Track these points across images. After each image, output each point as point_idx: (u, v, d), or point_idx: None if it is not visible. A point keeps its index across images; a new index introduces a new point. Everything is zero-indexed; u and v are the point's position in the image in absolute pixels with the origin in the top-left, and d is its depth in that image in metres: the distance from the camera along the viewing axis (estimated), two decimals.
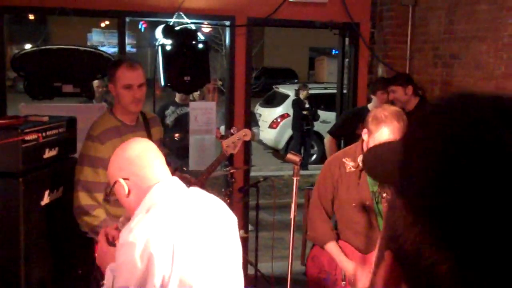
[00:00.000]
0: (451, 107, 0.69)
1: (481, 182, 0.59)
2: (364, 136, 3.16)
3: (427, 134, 0.68)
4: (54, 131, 3.65)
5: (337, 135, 5.69)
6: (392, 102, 5.03)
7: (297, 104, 11.43)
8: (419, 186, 0.65)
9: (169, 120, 6.18)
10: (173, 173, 2.37)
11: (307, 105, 11.39)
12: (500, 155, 0.60)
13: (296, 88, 12.13)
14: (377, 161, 0.87)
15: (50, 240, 3.63)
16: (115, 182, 2.19)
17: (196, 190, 2.24)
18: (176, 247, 1.92)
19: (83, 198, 3.24)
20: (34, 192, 3.40)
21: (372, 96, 5.45)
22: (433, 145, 0.65)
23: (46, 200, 3.54)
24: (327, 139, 5.79)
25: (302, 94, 11.32)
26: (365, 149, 3.23)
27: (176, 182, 2.19)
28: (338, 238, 3.41)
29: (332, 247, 3.35)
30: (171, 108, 6.23)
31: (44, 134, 3.50)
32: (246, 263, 4.96)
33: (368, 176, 3.14)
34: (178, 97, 6.27)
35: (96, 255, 3.28)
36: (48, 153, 3.58)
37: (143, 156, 2.17)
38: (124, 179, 2.15)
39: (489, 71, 4.90)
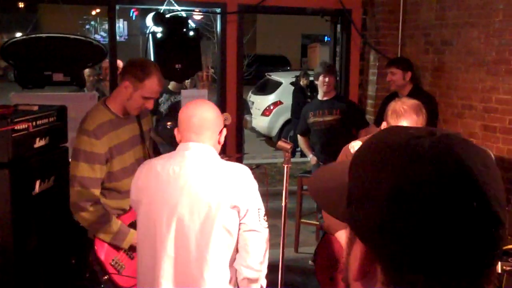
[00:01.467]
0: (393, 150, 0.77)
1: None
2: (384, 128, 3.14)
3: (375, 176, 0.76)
4: (45, 120, 3.63)
5: (304, 131, 5.84)
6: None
7: (300, 92, 11.38)
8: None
9: (163, 108, 6.13)
10: None
11: (308, 93, 11.36)
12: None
13: (294, 76, 12.07)
14: (321, 189, 0.93)
15: (42, 229, 3.62)
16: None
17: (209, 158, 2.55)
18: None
19: (80, 194, 3.19)
20: (25, 182, 3.39)
21: None
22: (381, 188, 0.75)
23: (37, 189, 3.52)
24: (299, 139, 5.99)
25: (303, 82, 11.29)
26: None
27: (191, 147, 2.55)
28: None
29: (341, 235, 3.35)
30: (165, 96, 6.19)
31: (34, 123, 3.48)
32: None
33: None
34: (171, 85, 6.23)
35: (99, 256, 3.27)
36: (39, 143, 3.56)
37: (187, 121, 2.59)
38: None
39: (481, 57, 4.91)
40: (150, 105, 3.34)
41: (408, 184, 0.72)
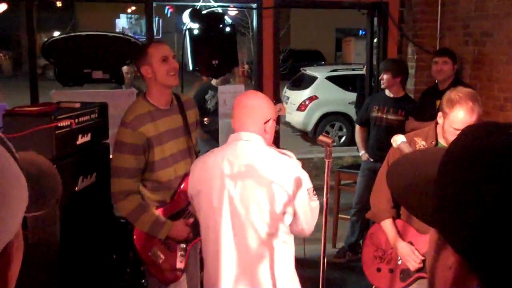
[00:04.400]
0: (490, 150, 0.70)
1: None
2: (439, 119, 3.10)
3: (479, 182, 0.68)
4: (87, 117, 3.68)
5: (363, 122, 5.67)
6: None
7: (362, 82, 11.22)
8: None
9: (210, 105, 6.09)
10: None
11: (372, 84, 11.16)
12: None
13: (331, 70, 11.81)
14: (403, 185, 0.86)
15: (85, 225, 3.68)
16: None
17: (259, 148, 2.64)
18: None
19: (118, 185, 3.27)
20: (68, 178, 3.45)
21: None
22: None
23: (80, 185, 3.58)
24: (356, 129, 5.84)
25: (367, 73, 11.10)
26: (439, 131, 3.17)
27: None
28: (397, 217, 3.36)
29: (387, 224, 3.32)
30: (210, 92, 6.17)
31: (76, 120, 3.53)
32: None
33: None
34: (214, 81, 6.23)
35: (136, 245, 3.34)
36: (81, 139, 3.62)
37: (234, 109, 2.72)
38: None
39: None
40: (174, 64, 3.39)
41: None
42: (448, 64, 5.08)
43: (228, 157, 2.64)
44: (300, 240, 2.97)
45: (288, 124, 12.79)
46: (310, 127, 12.46)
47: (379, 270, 3.39)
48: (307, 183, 2.60)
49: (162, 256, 3.37)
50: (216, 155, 2.70)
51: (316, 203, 2.66)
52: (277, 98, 5.64)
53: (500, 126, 0.72)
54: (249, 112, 2.68)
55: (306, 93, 12.71)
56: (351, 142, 11.08)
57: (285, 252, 2.65)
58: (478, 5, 5.37)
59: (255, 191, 2.55)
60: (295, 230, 2.67)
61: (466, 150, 0.73)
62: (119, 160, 3.28)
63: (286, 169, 2.58)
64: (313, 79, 12.86)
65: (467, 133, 0.75)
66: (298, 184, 2.55)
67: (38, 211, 0.89)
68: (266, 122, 2.68)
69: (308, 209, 2.62)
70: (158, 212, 3.35)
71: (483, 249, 0.67)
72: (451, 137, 2.99)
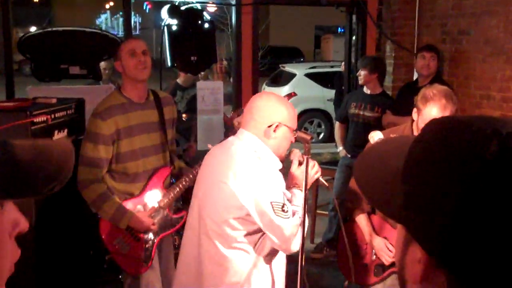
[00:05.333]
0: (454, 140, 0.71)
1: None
2: (414, 115, 3.13)
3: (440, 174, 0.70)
4: (63, 113, 3.66)
5: (343, 119, 5.71)
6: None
7: (340, 79, 11.24)
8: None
9: (180, 107, 6.07)
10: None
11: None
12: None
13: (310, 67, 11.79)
14: (370, 179, 0.86)
15: (61, 221, 3.64)
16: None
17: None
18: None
19: (84, 173, 3.30)
20: None
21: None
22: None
23: None
24: (336, 126, 5.87)
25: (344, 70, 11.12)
26: (415, 128, 3.20)
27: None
28: (371, 212, 3.38)
29: (362, 220, 3.34)
30: (179, 93, 6.14)
31: (53, 116, 3.50)
32: None
33: None
34: (180, 80, 6.19)
35: (101, 233, 3.35)
36: (58, 135, 3.59)
37: (246, 106, 2.71)
38: None
39: (499, 45, 4.86)
40: (141, 58, 3.41)
41: (479, 197, 0.66)
42: (435, 60, 5.12)
43: (213, 152, 2.66)
44: None
45: None
46: None
47: (354, 265, 3.42)
48: (272, 196, 2.44)
49: (127, 246, 3.39)
50: (212, 148, 2.74)
51: (282, 220, 2.43)
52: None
53: (462, 123, 0.72)
54: (253, 112, 2.61)
55: (285, 89, 12.72)
56: (329, 138, 11.13)
57: (239, 258, 2.52)
58: (455, 3, 5.42)
59: (211, 191, 2.51)
60: (273, 245, 2.53)
61: (428, 147, 0.74)
62: (87, 149, 3.31)
63: (248, 176, 2.45)
64: (292, 76, 12.89)
65: (428, 130, 0.76)
66: (257, 194, 2.42)
67: (39, 193, 0.91)
68: (270, 126, 2.56)
69: (272, 223, 2.43)
70: (126, 204, 3.37)
71: (449, 248, 0.68)
72: None
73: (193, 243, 2.59)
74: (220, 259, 2.50)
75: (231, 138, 2.64)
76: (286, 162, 2.77)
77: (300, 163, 2.75)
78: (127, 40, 3.60)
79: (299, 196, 2.65)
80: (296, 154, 2.77)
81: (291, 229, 2.46)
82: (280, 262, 2.68)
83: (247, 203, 2.42)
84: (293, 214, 2.51)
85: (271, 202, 2.41)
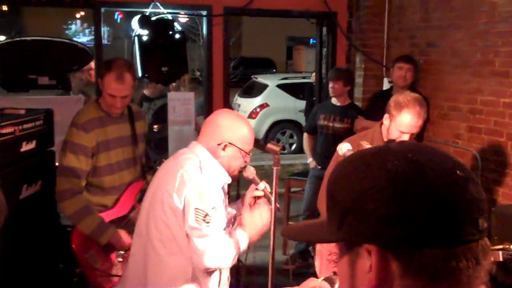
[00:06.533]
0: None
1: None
2: (386, 121, 3.16)
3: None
4: (31, 124, 3.61)
5: (311, 130, 5.75)
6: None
7: (310, 91, 11.27)
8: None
9: (147, 118, 6.07)
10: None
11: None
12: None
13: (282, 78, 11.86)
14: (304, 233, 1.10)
15: (30, 234, 3.59)
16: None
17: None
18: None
19: (65, 184, 3.28)
20: (11, 187, 3.36)
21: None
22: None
23: (24, 194, 3.50)
24: (304, 137, 5.92)
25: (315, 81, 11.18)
26: (385, 133, 3.22)
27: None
28: None
29: None
30: (145, 104, 6.12)
31: (20, 127, 3.46)
32: None
33: None
34: (148, 91, 6.15)
35: (73, 245, 3.31)
36: (25, 147, 3.54)
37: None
38: None
39: (465, 58, 4.95)
40: (118, 103, 3.37)
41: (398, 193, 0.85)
42: (411, 71, 5.18)
43: (165, 163, 2.74)
44: (251, 247, 2.98)
45: None
46: (261, 135, 12.50)
47: (335, 274, 3.43)
48: (198, 203, 2.45)
49: (99, 260, 3.36)
50: (167, 159, 2.82)
51: (198, 229, 2.44)
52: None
53: (376, 158, 0.92)
54: (209, 126, 2.67)
55: (257, 100, 12.76)
56: (301, 149, 11.14)
57: (180, 265, 2.54)
58: (423, 16, 5.51)
59: (156, 198, 2.54)
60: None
61: (343, 172, 0.96)
62: (68, 159, 3.28)
63: (186, 181, 2.47)
64: (264, 86, 12.92)
65: (340, 169, 0.97)
66: (187, 198, 2.45)
67: None
68: (219, 144, 2.59)
69: (190, 230, 2.45)
70: (101, 216, 3.35)
71: (387, 224, 0.84)
72: (396, 139, 3.07)
73: (140, 250, 2.60)
74: (162, 266, 2.53)
75: (182, 150, 2.68)
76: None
77: (255, 183, 2.77)
78: (112, 79, 3.32)
79: (242, 239, 2.61)
80: (250, 172, 2.76)
81: (205, 242, 2.45)
82: (222, 272, 2.69)
83: (180, 205, 2.46)
84: (222, 237, 2.49)
85: (195, 208, 2.44)
